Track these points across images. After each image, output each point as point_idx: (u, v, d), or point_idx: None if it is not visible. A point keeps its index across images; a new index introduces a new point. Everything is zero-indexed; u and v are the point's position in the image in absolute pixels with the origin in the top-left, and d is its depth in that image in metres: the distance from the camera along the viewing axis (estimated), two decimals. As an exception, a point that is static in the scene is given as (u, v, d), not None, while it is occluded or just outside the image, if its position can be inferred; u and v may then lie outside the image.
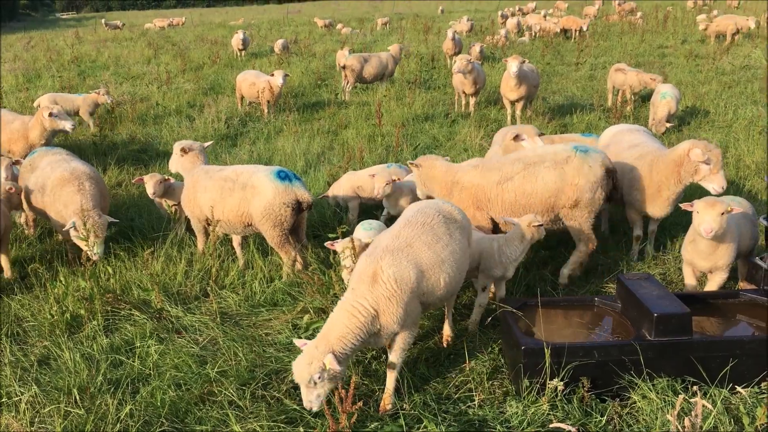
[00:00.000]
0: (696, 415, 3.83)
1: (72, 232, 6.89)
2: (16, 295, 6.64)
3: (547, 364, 4.61)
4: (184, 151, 7.20)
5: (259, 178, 6.61)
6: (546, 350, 4.60)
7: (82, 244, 6.80)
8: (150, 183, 7.72)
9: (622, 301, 5.31)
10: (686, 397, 4.34)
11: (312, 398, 4.29)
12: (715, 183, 6.29)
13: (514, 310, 5.19)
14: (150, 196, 7.84)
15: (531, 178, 6.32)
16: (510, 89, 12.58)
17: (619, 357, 4.71)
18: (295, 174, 6.77)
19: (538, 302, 5.33)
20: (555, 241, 7.48)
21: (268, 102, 14.10)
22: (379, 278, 4.52)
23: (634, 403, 4.63)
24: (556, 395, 4.58)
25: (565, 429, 3.77)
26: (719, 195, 6.22)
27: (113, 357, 5.42)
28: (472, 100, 13.91)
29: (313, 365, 4.24)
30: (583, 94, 16.05)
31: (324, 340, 4.35)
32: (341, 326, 4.40)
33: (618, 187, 6.61)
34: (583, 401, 4.62)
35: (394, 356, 4.74)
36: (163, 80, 18.25)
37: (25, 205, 7.81)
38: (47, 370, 5.31)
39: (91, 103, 13.22)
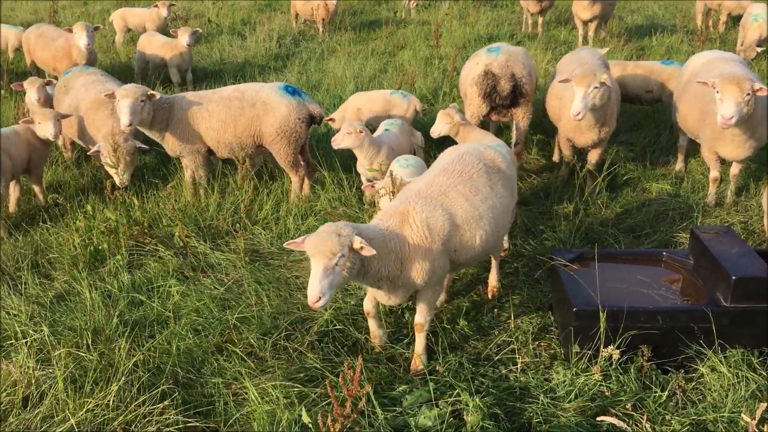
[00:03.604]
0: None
1: (102, 158, 6.55)
2: (45, 223, 6.37)
3: (601, 329, 4.06)
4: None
5: (268, 94, 6.49)
6: (601, 313, 4.03)
7: (111, 171, 6.47)
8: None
9: (694, 258, 4.65)
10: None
11: (325, 284, 3.52)
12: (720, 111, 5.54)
13: (568, 264, 4.59)
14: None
15: None
16: (583, 8, 11.53)
17: (687, 324, 4.12)
18: (299, 88, 6.75)
19: (596, 255, 4.70)
20: (621, 181, 6.75)
21: (323, 20, 13.41)
22: (410, 219, 3.98)
23: (702, 377, 4.06)
24: (611, 364, 4.06)
25: (615, 424, 3.19)
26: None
27: (133, 296, 5.10)
28: (540, 20, 12.89)
29: (342, 236, 3.58)
30: (666, 13, 14.70)
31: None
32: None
33: (509, 95, 6.66)
34: (642, 372, 4.08)
35: (420, 316, 4.23)
36: (219, -7, 17.59)
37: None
38: (63, 308, 5.03)
39: (156, 18, 12.62)
